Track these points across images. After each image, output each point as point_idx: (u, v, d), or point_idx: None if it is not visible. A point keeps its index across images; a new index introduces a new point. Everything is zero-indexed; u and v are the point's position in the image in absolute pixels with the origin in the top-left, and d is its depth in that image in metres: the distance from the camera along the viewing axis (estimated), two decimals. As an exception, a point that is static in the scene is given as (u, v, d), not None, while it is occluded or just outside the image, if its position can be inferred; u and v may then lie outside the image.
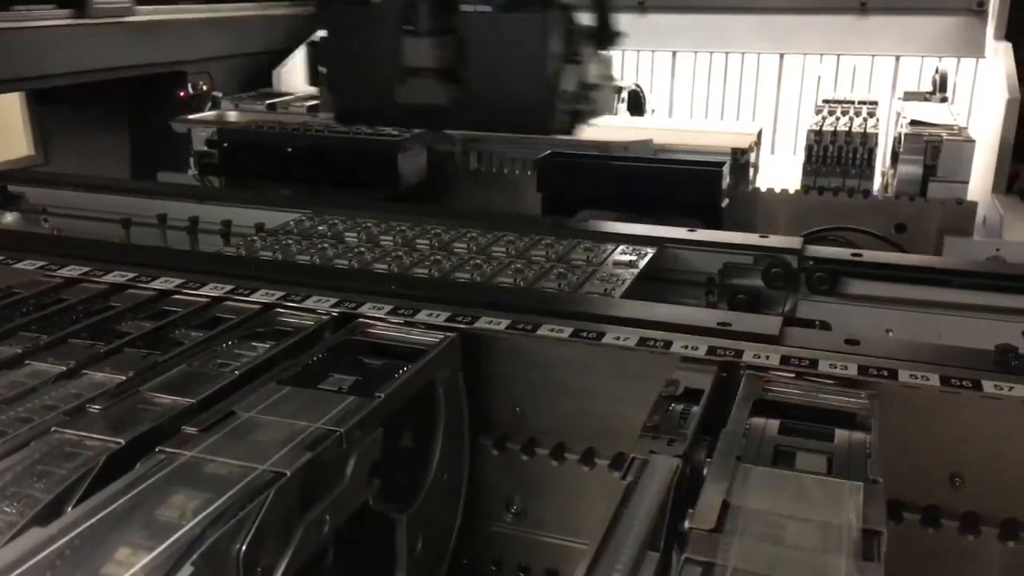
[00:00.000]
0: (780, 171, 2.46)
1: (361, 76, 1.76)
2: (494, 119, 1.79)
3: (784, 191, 2.04)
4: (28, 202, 1.84)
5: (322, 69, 1.93)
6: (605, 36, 1.74)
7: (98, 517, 0.63)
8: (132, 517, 0.63)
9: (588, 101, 1.79)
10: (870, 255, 1.37)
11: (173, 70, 2.88)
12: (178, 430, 0.76)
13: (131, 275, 1.16)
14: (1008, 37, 2.69)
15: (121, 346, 0.95)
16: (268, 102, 2.71)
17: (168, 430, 0.76)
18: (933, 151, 2.03)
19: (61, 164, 2.74)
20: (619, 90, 2.97)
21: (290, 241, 1.42)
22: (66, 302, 1.08)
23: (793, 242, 1.38)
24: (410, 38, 1.66)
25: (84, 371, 0.88)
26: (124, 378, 0.86)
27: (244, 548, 0.63)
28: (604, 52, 1.80)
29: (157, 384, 0.85)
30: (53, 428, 0.76)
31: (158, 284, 1.13)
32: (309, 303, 1.07)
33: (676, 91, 3.80)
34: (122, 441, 0.74)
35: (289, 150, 2.03)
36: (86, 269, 1.18)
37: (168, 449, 0.72)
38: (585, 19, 1.78)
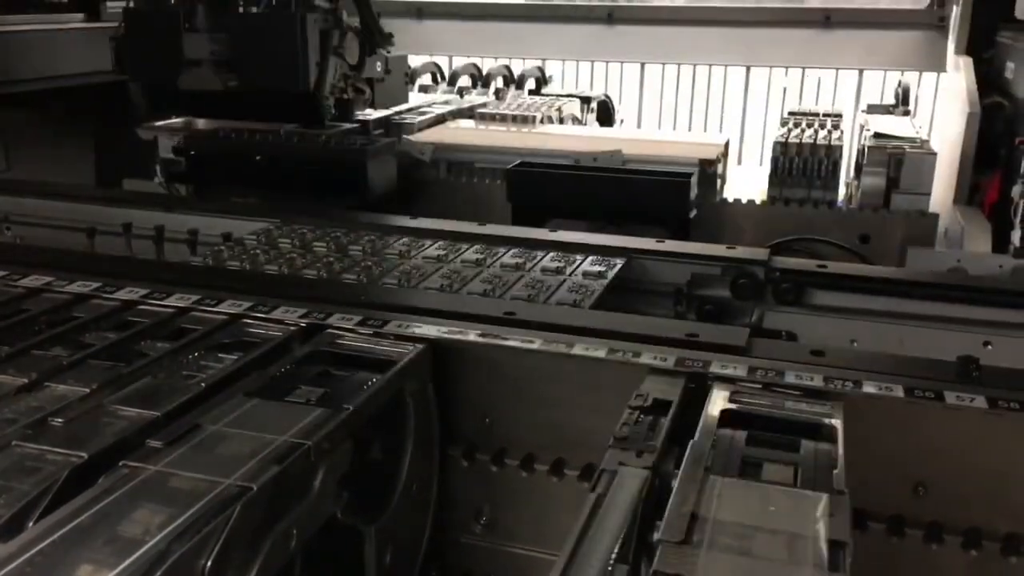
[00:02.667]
0: (747, 182, 2.49)
1: (154, 67, 2.08)
2: (266, 108, 2.15)
3: (751, 202, 2.06)
4: (-11, 210, 1.81)
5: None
6: (377, 38, 2.16)
7: (60, 533, 0.62)
8: (95, 533, 0.63)
9: (364, 92, 2.20)
10: (835, 266, 1.39)
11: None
12: (142, 444, 0.75)
13: (95, 285, 1.14)
14: (968, 52, 2.75)
15: (84, 357, 0.93)
16: (236, 109, 2.68)
17: (132, 444, 0.75)
18: (896, 163, 2.07)
19: (24, 171, 2.69)
20: (587, 100, 2.98)
21: (258, 251, 1.41)
22: (28, 312, 1.07)
23: (759, 253, 1.39)
24: (190, 34, 2.00)
25: (46, 383, 0.86)
26: (87, 390, 0.85)
27: (210, 564, 0.63)
28: (383, 51, 2.20)
29: (121, 396, 0.84)
30: (14, 442, 0.75)
31: (123, 294, 1.12)
32: (277, 314, 1.06)
33: (645, 102, 3.83)
34: (85, 455, 0.72)
35: (257, 158, 2.02)
36: (49, 279, 1.16)
37: (132, 463, 0.71)
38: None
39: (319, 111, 2.06)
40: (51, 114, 2.84)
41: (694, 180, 1.87)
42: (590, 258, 1.38)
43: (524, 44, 3.60)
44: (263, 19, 2.01)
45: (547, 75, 3.34)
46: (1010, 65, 2.51)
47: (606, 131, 2.90)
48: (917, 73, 3.24)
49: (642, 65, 3.77)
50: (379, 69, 2.23)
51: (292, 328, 1.03)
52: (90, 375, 0.88)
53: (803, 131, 2.28)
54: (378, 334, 1.01)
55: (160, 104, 2.26)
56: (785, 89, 3.71)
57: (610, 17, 3.50)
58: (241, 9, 2.03)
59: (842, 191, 2.33)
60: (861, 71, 3.48)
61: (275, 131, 2.15)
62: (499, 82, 3.14)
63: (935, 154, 2.08)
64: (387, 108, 2.40)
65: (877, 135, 2.21)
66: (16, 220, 1.78)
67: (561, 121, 2.67)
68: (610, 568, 0.63)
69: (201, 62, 2.00)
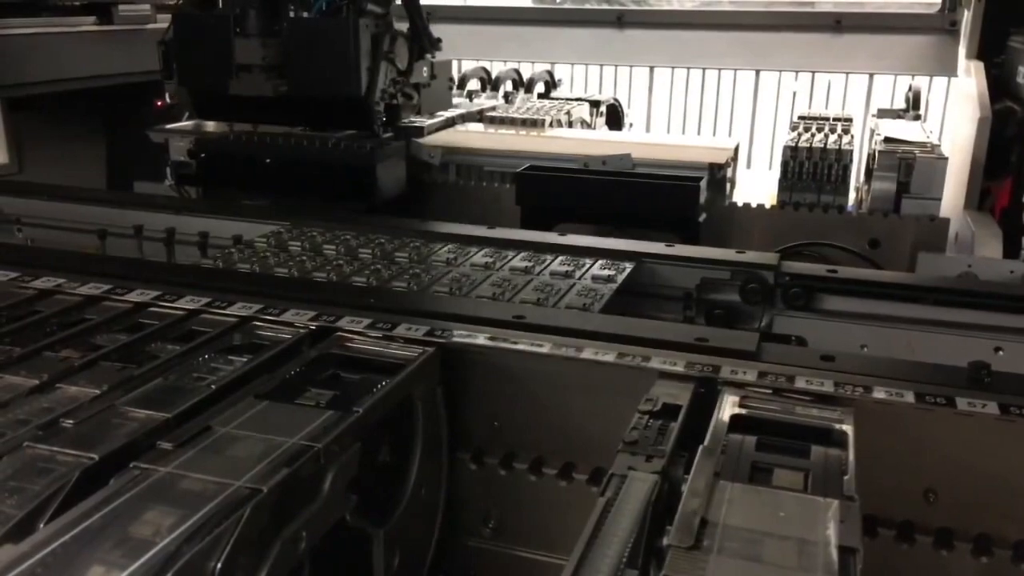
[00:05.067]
0: (756, 186, 2.48)
1: (204, 72, 2.05)
2: (316, 114, 2.12)
3: (760, 206, 2.05)
4: (1, 212, 1.82)
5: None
6: (425, 42, 2.14)
7: (71, 534, 0.62)
8: (106, 534, 0.63)
9: (412, 98, 2.19)
10: (845, 271, 1.39)
11: (151, 79, 2.86)
12: (153, 445, 0.75)
13: (106, 287, 1.15)
14: (979, 56, 2.74)
15: (96, 359, 0.94)
16: (246, 112, 2.68)
17: (143, 445, 0.76)
18: (906, 168, 2.06)
19: (36, 173, 2.71)
20: (597, 104, 2.98)
21: (268, 253, 1.42)
22: (40, 314, 1.07)
23: (769, 258, 1.39)
24: (241, 39, 1.97)
25: (58, 385, 0.87)
26: (98, 392, 0.85)
27: (220, 565, 0.63)
28: (429, 56, 2.19)
29: (132, 398, 0.84)
30: (26, 443, 0.75)
31: (134, 296, 1.12)
32: (287, 316, 1.06)
33: (654, 106, 3.83)
34: (96, 456, 0.73)
35: (267, 161, 2.02)
36: (61, 281, 1.17)
37: (143, 465, 0.71)
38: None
39: (369, 117, 2.04)
40: (63, 117, 2.86)
41: (703, 184, 1.87)
42: (599, 262, 1.38)
43: (533, 48, 3.61)
44: (315, 24, 1.98)
45: (556, 79, 3.34)
46: (1021, 70, 2.50)
47: (615, 135, 2.90)
48: (928, 77, 3.23)
49: (651, 69, 3.77)
50: (425, 74, 2.21)
51: (302, 331, 1.03)
52: (101, 377, 0.89)
53: (813, 135, 2.27)
54: (387, 337, 1.01)
55: (206, 109, 2.22)
56: (795, 93, 3.70)
57: (619, 21, 3.50)
58: (292, 14, 2.01)
59: (852, 196, 2.32)
60: (871, 75, 3.47)
61: (285, 134, 2.16)
62: (508, 86, 3.14)
63: (946, 159, 2.07)
64: (431, 113, 2.39)
65: (887, 139, 2.21)
66: (28, 222, 1.79)
67: (570, 125, 2.67)
68: (619, 573, 0.63)
69: (252, 68, 1.97)
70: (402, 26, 2.11)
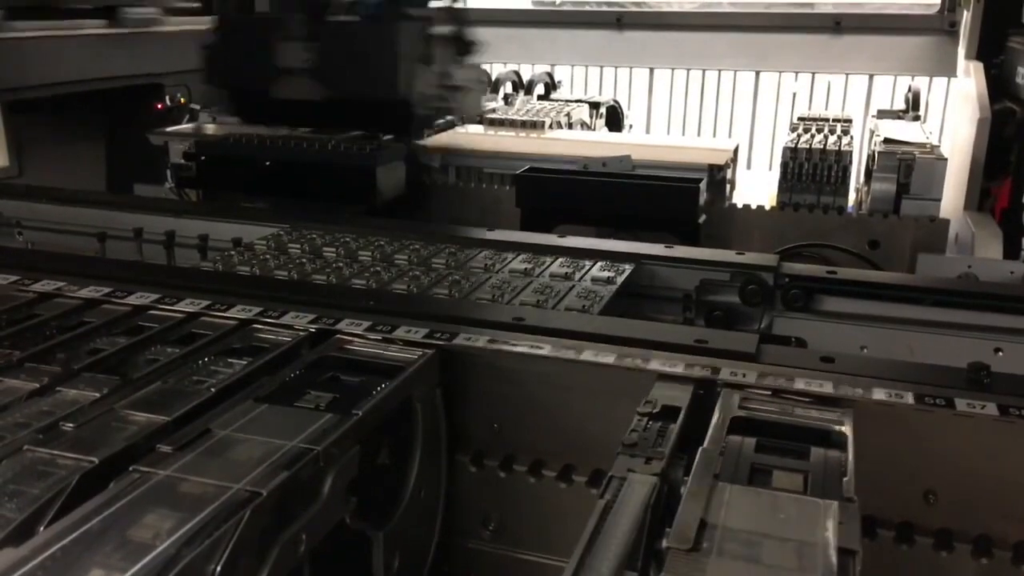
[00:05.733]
0: (756, 187, 2.49)
1: (247, 76, 2.10)
2: (357, 117, 2.15)
3: (760, 207, 2.05)
4: (1, 215, 1.82)
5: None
6: (463, 45, 2.14)
7: (71, 537, 0.62)
8: (105, 537, 0.63)
9: (451, 101, 2.18)
10: (845, 272, 1.38)
11: (151, 82, 2.87)
12: (153, 448, 0.75)
13: (106, 290, 1.15)
14: (979, 57, 2.74)
15: (95, 362, 0.94)
16: (246, 115, 2.69)
17: (143, 448, 0.76)
18: (906, 169, 2.06)
19: (36, 176, 2.71)
20: (596, 106, 2.98)
21: (268, 256, 1.42)
22: (39, 317, 1.07)
23: (769, 259, 1.39)
24: (283, 43, 1.99)
25: (57, 388, 0.87)
26: (98, 395, 0.85)
27: (219, 569, 0.63)
28: (467, 58, 2.19)
29: (132, 401, 0.84)
30: (25, 446, 0.75)
31: (133, 299, 1.12)
32: (286, 319, 1.06)
33: (654, 107, 3.83)
34: (96, 460, 0.73)
35: (267, 164, 2.03)
36: (60, 284, 1.17)
37: (143, 468, 0.71)
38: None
39: (409, 119, 2.06)
40: (63, 120, 2.87)
41: (703, 185, 1.87)
42: (599, 264, 1.38)
43: (533, 49, 3.61)
44: (356, 29, 2.00)
45: (556, 80, 3.34)
46: (1021, 70, 2.50)
47: (615, 136, 2.90)
48: (928, 78, 3.23)
49: (651, 70, 3.78)
50: (461, 77, 2.25)
51: (301, 333, 1.03)
52: (101, 380, 0.89)
53: (813, 136, 2.28)
54: (387, 339, 1.01)
55: (247, 112, 2.24)
56: (795, 94, 3.70)
57: (619, 22, 3.50)
58: (336, 19, 2.03)
59: (852, 196, 2.33)
60: (871, 76, 3.47)
61: (285, 137, 2.16)
62: (508, 87, 3.14)
63: (945, 159, 2.08)
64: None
65: (887, 140, 2.21)
66: (28, 225, 1.79)
67: (570, 126, 2.67)
68: (618, 575, 0.63)
69: (295, 71, 1.99)
70: (440, 30, 2.12)
